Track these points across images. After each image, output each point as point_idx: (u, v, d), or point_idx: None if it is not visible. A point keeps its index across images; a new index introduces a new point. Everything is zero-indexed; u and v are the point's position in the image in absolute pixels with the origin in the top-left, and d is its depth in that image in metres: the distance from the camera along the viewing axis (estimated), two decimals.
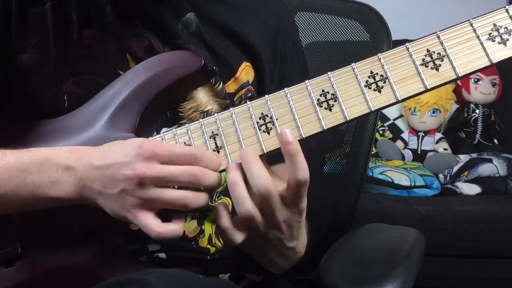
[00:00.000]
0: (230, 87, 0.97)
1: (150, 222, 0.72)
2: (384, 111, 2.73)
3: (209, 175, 0.74)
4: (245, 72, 0.98)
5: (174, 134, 0.78)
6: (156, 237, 0.72)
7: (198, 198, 0.74)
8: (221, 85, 0.94)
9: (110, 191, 0.73)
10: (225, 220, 0.75)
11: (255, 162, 0.72)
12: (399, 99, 0.71)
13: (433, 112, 2.65)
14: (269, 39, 1.02)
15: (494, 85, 2.65)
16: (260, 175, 0.71)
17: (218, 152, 0.76)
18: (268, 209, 0.73)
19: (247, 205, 0.72)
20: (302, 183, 0.70)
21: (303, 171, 0.70)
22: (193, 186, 0.73)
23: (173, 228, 0.74)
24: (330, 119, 0.73)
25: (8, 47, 0.85)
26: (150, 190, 0.71)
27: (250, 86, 0.99)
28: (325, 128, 0.73)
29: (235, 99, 0.97)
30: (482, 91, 2.64)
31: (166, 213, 0.74)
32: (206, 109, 0.94)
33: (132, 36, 0.89)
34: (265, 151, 0.74)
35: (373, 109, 0.72)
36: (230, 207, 0.92)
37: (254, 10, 1.03)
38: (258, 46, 0.99)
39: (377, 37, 1.28)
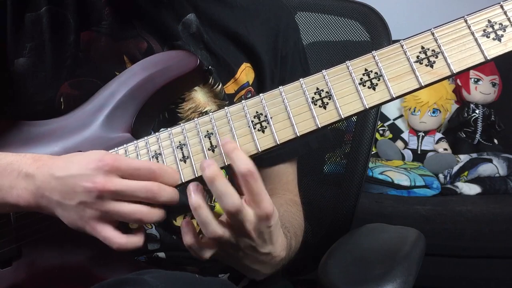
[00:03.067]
0: (230, 88, 0.97)
1: (110, 234, 0.73)
2: (384, 111, 2.74)
3: (166, 191, 0.74)
4: (245, 73, 0.99)
5: (169, 134, 0.78)
6: (117, 249, 0.73)
7: (152, 213, 0.74)
8: (220, 86, 0.94)
9: (69, 202, 0.73)
10: (190, 238, 0.75)
11: (220, 178, 0.70)
12: (394, 97, 0.71)
13: (433, 112, 2.65)
14: (269, 40, 1.03)
15: (494, 85, 2.65)
16: (228, 193, 0.70)
17: (213, 151, 0.76)
18: (238, 223, 0.72)
19: (213, 227, 0.72)
20: (246, 173, 0.70)
21: (242, 162, 0.70)
22: (150, 201, 0.73)
23: (134, 239, 0.74)
24: (325, 117, 0.72)
25: (3, 52, 0.85)
26: (108, 203, 0.72)
27: (250, 87, 0.99)
28: (319, 126, 0.72)
29: (235, 100, 0.97)
30: (482, 91, 2.63)
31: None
32: (205, 110, 0.94)
33: (130, 38, 0.90)
34: (259, 150, 0.74)
35: (367, 107, 0.71)
36: None
37: (255, 11, 1.03)
38: (259, 47, 1.00)
39: (377, 37, 1.28)
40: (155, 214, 0.74)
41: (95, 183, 0.71)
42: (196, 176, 0.76)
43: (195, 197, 0.72)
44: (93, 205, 0.72)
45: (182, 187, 0.77)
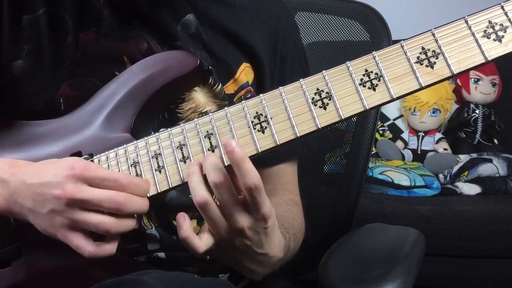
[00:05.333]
0: (230, 88, 0.97)
1: (81, 243, 0.73)
2: (384, 111, 2.74)
3: (133, 202, 0.74)
4: (245, 73, 0.99)
5: (169, 134, 0.78)
6: (88, 257, 0.73)
7: (120, 224, 0.74)
8: (220, 86, 0.94)
9: (40, 210, 0.73)
10: (185, 230, 0.74)
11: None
12: (394, 97, 0.71)
13: (433, 112, 2.65)
14: (269, 39, 1.03)
15: (494, 85, 2.65)
16: (215, 167, 0.71)
17: (213, 151, 0.76)
18: (226, 205, 0.72)
19: (202, 191, 0.71)
20: (252, 188, 0.69)
21: (250, 176, 0.69)
22: (115, 212, 0.73)
23: (106, 247, 0.74)
24: (325, 118, 0.72)
25: (1, 55, 0.85)
26: (76, 211, 0.72)
27: (250, 87, 0.99)
28: (319, 127, 0.72)
29: (234, 100, 0.97)
30: (482, 91, 2.63)
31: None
32: (204, 110, 0.94)
33: (130, 39, 0.90)
34: (259, 151, 0.74)
35: (367, 108, 0.71)
36: None
37: (254, 11, 1.03)
38: (258, 47, 1.00)
39: (377, 37, 1.28)
40: (123, 225, 0.74)
41: (65, 190, 0.71)
42: None
43: (191, 167, 0.73)
44: (63, 213, 0.72)
45: (182, 187, 0.77)
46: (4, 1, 0.85)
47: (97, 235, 0.75)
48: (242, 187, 0.70)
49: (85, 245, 0.73)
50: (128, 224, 0.75)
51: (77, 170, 0.72)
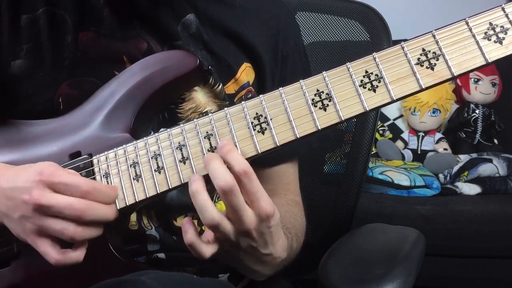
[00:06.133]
0: (230, 88, 0.97)
1: (48, 250, 0.73)
2: (384, 111, 2.74)
3: (95, 209, 0.73)
4: (246, 73, 0.98)
5: (169, 134, 0.78)
6: (55, 264, 0.73)
7: (86, 232, 0.73)
8: (220, 86, 0.94)
9: (12, 215, 0.74)
10: (191, 235, 0.72)
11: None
12: (394, 99, 0.70)
13: (433, 112, 2.65)
14: (269, 39, 1.02)
15: (494, 85, 2.65)
16: (221, 171, 0.69)
17: (213, 152, 0.75)
18: (234, 211, 0.71)
19: (211, 212, 0.70)
20: (242, 173, 0.69)
21: (238, 163, 0.69)
22: (77, 219, 0.72)
23: (72, 255, 0.74)
24: (325, 119, 0.72)
25: (0, 54, 0.85)
26: (43, 217, 0.72)
27: (251, 87, 0.99)
28: (319, 128, 0.72)
29: (235, 100, 0.97)
30: (482, 91, 2.63)
31: None
32: (205, 110, 0.94)
33: (130, 39, 0.90)
34: (259, 151, 0.73)
35: (368, 109, 0.71)
36: None
37: (255, 10, 1.03)
38: (259, 46, 0.99)
39: (377, 37, 1.28)
40: (88, 232, 0.74)
41: (31, 196, 0.71)
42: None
43: (194, 185, 0.71)
44: (31, 219, 0.72)
45: (182, 187, 0.77)
46: (3, 0, 0.85)
47: (65, 242, 0.74)
48: (235, 178, 0.69)
49: (51, 252, 0.73)
50: (94, 232, 0.75)
51: (44, 176, 0.71)
